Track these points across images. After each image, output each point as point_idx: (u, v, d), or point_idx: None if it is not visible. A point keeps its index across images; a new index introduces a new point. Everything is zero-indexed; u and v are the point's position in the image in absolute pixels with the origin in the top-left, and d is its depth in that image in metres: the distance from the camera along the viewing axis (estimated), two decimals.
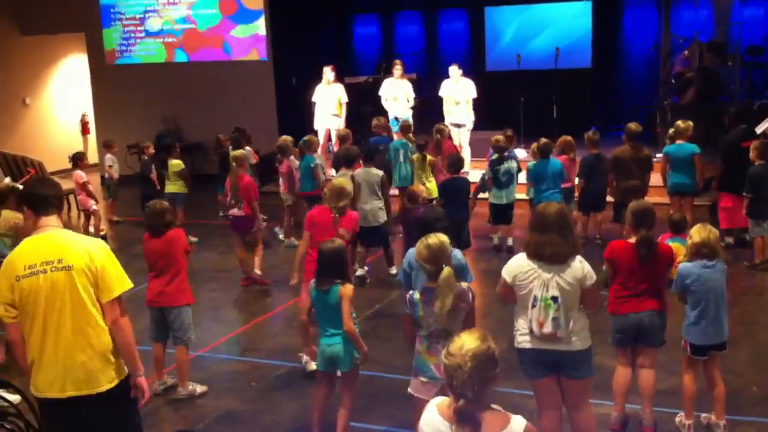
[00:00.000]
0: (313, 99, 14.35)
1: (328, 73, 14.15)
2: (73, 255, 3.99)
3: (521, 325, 4.87)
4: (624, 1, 17.27)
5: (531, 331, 4.76)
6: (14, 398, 5.74)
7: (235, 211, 9.44)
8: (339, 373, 5.64)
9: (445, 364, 3.08)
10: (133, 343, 4.19)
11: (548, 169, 9.90)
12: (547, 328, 4.70)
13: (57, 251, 4.00)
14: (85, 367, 4.03)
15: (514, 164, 10.32)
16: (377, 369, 6.95)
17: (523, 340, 4.87)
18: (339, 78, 14.71)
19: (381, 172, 9.50)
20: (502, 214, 10.48)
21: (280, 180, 11.27)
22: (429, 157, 10.69)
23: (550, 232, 4.71)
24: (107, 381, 4.09)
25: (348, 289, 5.46)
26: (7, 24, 18.00)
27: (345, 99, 14.30)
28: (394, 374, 6.75)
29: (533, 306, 4.73)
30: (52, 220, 4.13)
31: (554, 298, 4.67)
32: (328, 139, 14.30)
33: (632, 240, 5.53)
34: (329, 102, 14.18)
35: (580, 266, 4.76)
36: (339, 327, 5.45)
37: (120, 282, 4.10)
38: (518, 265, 4.83)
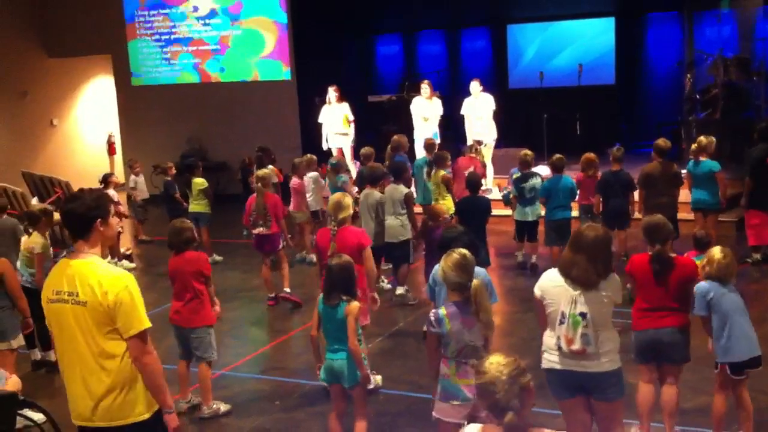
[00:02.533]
0: (319, 120, 14.46)
1: (331, 93, 14.24)
2: (88, 291, 3.90)
3: (549, 343, 4.79)
4: (647, 18, 17.23)
5: (559, 349, 4.67)
6: (38, 417, 5.79)
7: (261, 230, 9.42)
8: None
9: (479, 384, 3.10)
10: (159, 380, 4.06)
11: (559, 186, 9.91)
12: (576, 345, 4.60)
13: (77, 283, 3.93)
14: (104, 400, 3.98)
15: (539, 180, 10.31)
16: (401, 388, 6.94)
17: (550, 360, 4.78)
18: (361, 97, 14.73)
19: (407, 189, 9.50)
20: (527, 231, 10.48)
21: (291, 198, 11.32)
22: (441, 172, 10.55)
23: (579, 254, 4.64)
24: (132, 415, 4.02)
25: (354, 306, 5.50)
26: (35, 46, 18.28)
27: (351, 117, 14.33)
28: (417, 393, 6.72)
29: (561, 323, 4.64)
30: (81, 245, 4.01)
31: (582, 314, 4.58)
32: (341, 157, 14.34)
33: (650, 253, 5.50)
34: (335, 121, 14.28)
35: (612, 285, 4.69)
36: (344, 343, 5.49)
37: (137, 321, 3.94)
38: (549, 279, 4.78)
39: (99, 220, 4.01)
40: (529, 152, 10.50)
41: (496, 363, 3.10)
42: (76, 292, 3.93)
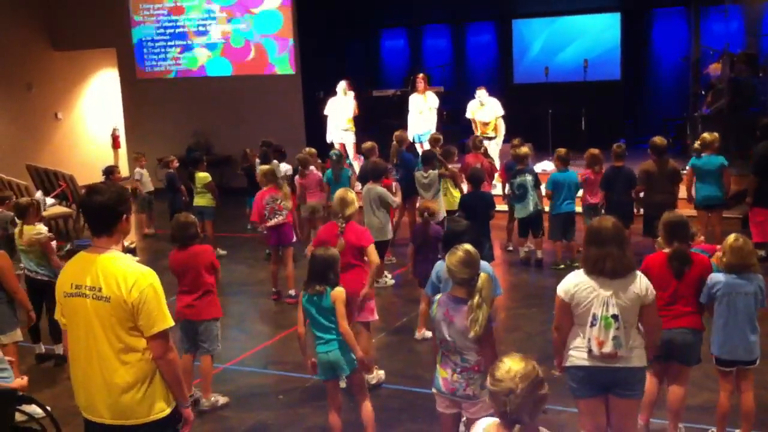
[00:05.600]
0: (325, 112, 14.45)
1: (341, 86, 14.26)
2: (113, 287, 3.86)
3: (578, 342, 4.69)
4: (653, 13, 17.19)
5: (590, 351, 4.60)
6: (37, 412, 5.77)
7: (279, 219, 9.37)
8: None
9: (492, 391, 3.00)
10: (179, 375, 4.09)
11: (567, 180, 10.01)
12: (608, 348, 4.53)
13: (100, 278, 3.87)
14: (126, 394, 3.95)
15: (528, 178, 10.26)
16: (404, 383, 6.94)
17: (578, 357, 4.69)
18: (366, 91, 14.71)
19: (436, 172, 10.05)
20: (525, 227, 10.52)
21: (299, 192, 11.20)
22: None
23: (608, 246, 4.57)
24: (146, 414, 4.00)
25: (340, 292, 5.51)
26: (40, 39, 18.28)
27: (355, 111, 14.28)
28: (420, 388, 6.71)
29: (592, 325, 4.56)
30: (104, 240, 3.97)
31: (615, 317, 4.52)
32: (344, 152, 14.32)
33: (666, 251, 5.42)
34: (340, 116, 14.26)
35: (639, 281, 4.63)
36: (333, 332, 5.50)
37: (161, 319, 3.92)
38: (576, 282, 4.66)
39: (124, 215, 4.00)
40: (524, 149, 10.52)
41: (513, 373, 2.97)
42: (99, 287, 3.88)
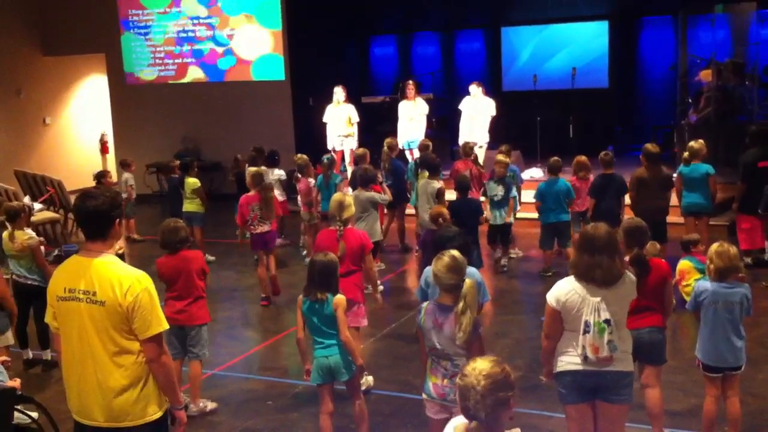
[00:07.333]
0: (324, 119, 14.44)
1: (339, 93, 14.24)
2: (107, 290, 3.87)
3: (569, 348, 4.67)
4: (641, 21, 17.32)
5: (585, 358, 4.59)
6: (35, 414, 5.76)
7: (265, 228, 9.45)
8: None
9: (459, 386, 3.08)
10: (173, 378, 4.11)
11: (554, 189, 10.01)
12: (603, 353, 4.54)
13: (95, 282, 3.89)
14: (120, 397, 3.97)
15: (499, 187, 10.43)
16: (393, 388, 6.95)
17: (569, 362, 4.68)
18: (355, 98, 14.71)
19: (439, 184, 9.96)
20: (498, 234, 10.68)
21: (299, 199, 11.28)
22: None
23: (599, 254, 4.57)
24: (141, 416, 4.02)
25: (341, 299, 5.52)
26: (29, 44, 18.25)
27: (356, 118, 14.32)
28: (410, 394, 6.73)
29: (586, 332, 4.56)
30: (98, 245, 3.98)
31: (607, 321, 4.53)
32: (341, 159, 14.33)
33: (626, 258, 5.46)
34: (340, 122, 14.27)
35: (628, 284, 4.68)
36: (333, 338, 5.50)
37: (156, 323, 3.95)
38: (566, 290, 4.64)
39: (117, 219, 4.03)
40: (502, 157, 10.62)
41: (478, 371, 3.04)
42: (94, 291, 3.89)
